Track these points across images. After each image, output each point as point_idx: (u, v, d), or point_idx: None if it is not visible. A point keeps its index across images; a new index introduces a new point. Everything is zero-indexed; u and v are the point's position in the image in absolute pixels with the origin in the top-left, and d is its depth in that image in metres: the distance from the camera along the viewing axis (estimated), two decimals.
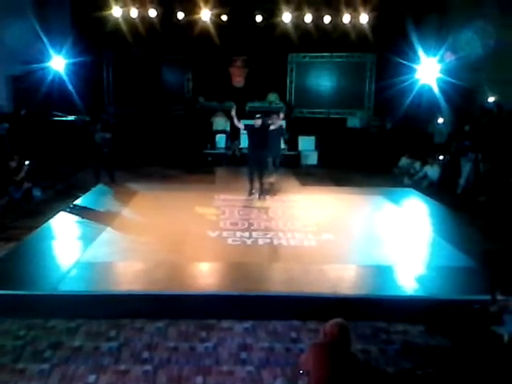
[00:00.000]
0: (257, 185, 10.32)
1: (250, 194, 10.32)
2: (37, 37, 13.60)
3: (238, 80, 17.43)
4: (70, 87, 14.66)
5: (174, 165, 14.11)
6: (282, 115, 11.83)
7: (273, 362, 4.64)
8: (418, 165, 13.15)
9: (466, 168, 11.66)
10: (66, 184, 11.77)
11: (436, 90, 14.05)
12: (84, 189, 10.93)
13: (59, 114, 14.73)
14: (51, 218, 8.49)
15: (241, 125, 10.69)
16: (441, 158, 12.64)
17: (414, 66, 14.56)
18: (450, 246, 7.50)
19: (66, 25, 15.20)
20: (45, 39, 13.84)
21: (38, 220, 8.50)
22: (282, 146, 12.79)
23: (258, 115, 10.33)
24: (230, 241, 7.57)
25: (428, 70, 14.29)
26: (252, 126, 10.26)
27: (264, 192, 10.30)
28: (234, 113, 10.53)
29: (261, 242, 7.58)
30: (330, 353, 3.60)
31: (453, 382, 4.44)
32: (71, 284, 5.78)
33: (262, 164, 10.25)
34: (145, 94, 16.88)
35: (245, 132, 11.04)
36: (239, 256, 6.92)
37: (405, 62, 14.50)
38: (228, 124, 16.48)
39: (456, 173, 11.95)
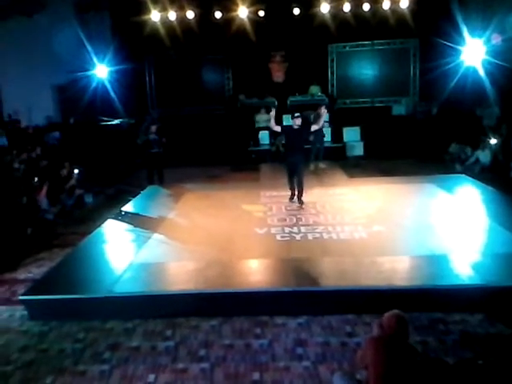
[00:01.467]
0: (296, 191, 9.39)
1: (292, 199, 9.53)
2: (80, 45, 13.99)
3: (278, 75, 17.37)
4: (113, 94, 15.02)
5: (218, 164, 14.22)
6: (323, 109, 10.78)
7: (329, 356, 4.59)
8: (468, 150, 12.71)
9: None
10: (116, 189, 12.06)
11: (482, 72, 13.54)
12: (134, 192, 11.17)
13: (105, 118, 15.12)
14: (103, 222, 8.71)
15: (277, 128, 9.67)
16: (492, 141, 12.16)
17: (459, 47, 14.07)
18: (506, 231, 7.20)
19: (107, 32, 15.59)
20: (88, 48, 14.21)
21: (91, 225, 8.75)
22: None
23: (296, 114, 9.30)
24: (278, 237, 7.53)
25: (473, 52, 13.79)
26: (290, 126, 9.41)
27: (301, 198, 9.31)
28: (273, 113, 9.77)
29: (310, 236, 7.50)
30: (388, 346, 3.51)
31: None
32: (126, 285, 5.90)
33: (299, 169, 9.23)
34: (187, 96, 17.11)
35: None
36: (289, 252, 6.87)
37: (449, 44, 14.03)
38: (270, 119, 16.43)
39: (508, 156, 11.47)
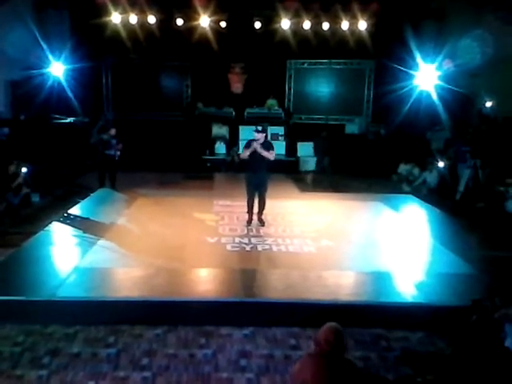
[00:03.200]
0: (256, 210, 8.83)
1: (249, 223, 8.79)
2: (36, 43, 13.63)
3: (237, 86, 17.48)
4: (69, 93, 14.69)
5: (173, 170, 14.11)
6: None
7: (272, 369, 4.62)
8: (416, 171, 13.17)
9: (465, 174, 11.69)
10: (65, 189, 11.74)
11: (434, 96, 14.09)
12: (84, 194, 10.92)
13: (58, 116, 14.75)
14: (49, 223, 8.46)
15: (247, 153, 8.64)
16: (440, 164, 12.66)
17: (413, 72, 14.61)
18: (449, 252, 7.50)
19: (66, 31, 15.27)
20: (44, 45, 13.88)
21: (37, 226, 8.48)
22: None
23: (258, 127, 8.78)
24: (229, 247, 7.56)
25: (426, 77, 14.35)
26: (252, 141, 8.59)
27: (262, 218, 8.89)
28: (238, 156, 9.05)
29: (260, 248, 7.57)
30: (327, 363, 3.42)
31: None
32: (69, 290, 5.75)
33: (263, 186, 8.66)
34: (144, 100, 16.93)
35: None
36: (238, 262, 6.91)
37: (403, 69, 14.55)
38: (227, 130, 16.51)
39: (455, 179, 11.97)
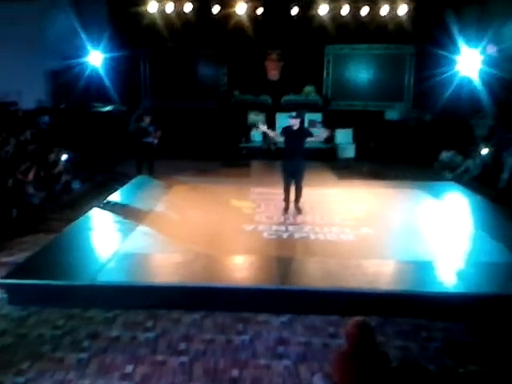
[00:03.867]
0: (292, 198, 8.75)
1: (286, 211, 8.70)
2: (75, 32, 13.84)
3: (274, 73, 17.30)
4: (107, 81, 14.90)
5: (209, 158, 14.16)
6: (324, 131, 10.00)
7: (310, 357, 4.56)
8: (459, 158, 12.78)
9: (509, 162, 11.25)
10: (104, 176, 11.96)
11: (477, 81, 13.61)
12: (123, 181, 11.09)
13: (97, 104, 14.98)
14: (90, 210, 8.61)
15: (274, 133, 9.41)
16: (483, 151, 12.23)
17: (455, 57, 14.14)
18: (492, 240, 7.23)
19: (103, 20, 15.39)
20: (83, 35, 14.07)
21: (77, 212, 8.66)
22: None
23: (293, 114, 8.60)
24: (265, 234, 7.50)
25: (469, 62, 13.85)
26: (288, 127, 8.53)
27: (299, 206, 8.77)
28: (263, 128, 9.25)
29: (297, 236, 7.48)
30: (355, 361, 3.39)
31: (495, 379, 4.26)
32: (109, 275, 5.83)
33: (299, 173, 8.58)
34: (180, 88, 16.98)
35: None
36: (275, 250, 6.85)
37: (445, 54, 14.09)
38: (263, 118, 16.42)
39: (498, 167, 11.55)
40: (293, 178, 8.60)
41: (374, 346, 3.51)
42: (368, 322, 3.53)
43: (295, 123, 8.44)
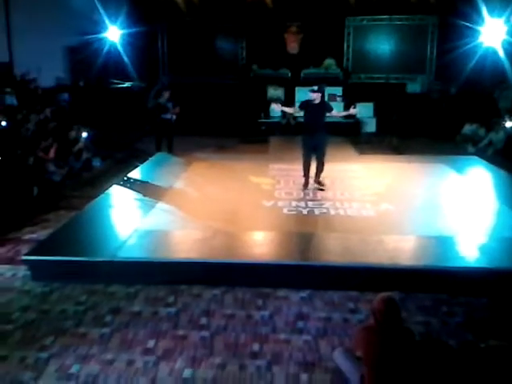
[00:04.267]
0: (312, 173, 8.65)
1: (306, 187, 8.59)
2: (92, 8, 13.76)
3: (293, 46, 17.07)
4: (126, 58, 14.87)
5: (228, 134, 14.10)
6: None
7: (330, 332, 4.55)
8: (482, 131, 12.51)
9: None
10: (124, 154, 12.02)
11: (501, 52, 13.21)
12: (143, 158, 11.12)
13: (116, 81, 14.99)
14: (110, 187, 8.67)
15: (292, 109, 9.45)
16: (508, 124, 11.92)
17: (478, 28, 13.71)
18: None
19: None
20: (101, 10, 14.00)
21: (98, 189, 8.72)
22: None
23: (314, 87, 8.34)
24: (285, 210, 7.46)
25: (493, 32, 13.43)
26: (308, 101, 8.38)
27: (321, 180, 8.67)
28: (278, 108, 9.20)
29: (317, 211, 7.42)
30: (379, 336, 3.41)
31: None
32: (130, 251, 5.87)
33: (321, 148, 8.43)
34: (199, 63, 16.89)
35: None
36: (295, 226, 6.81)
37: (468, 24, 13.68)
38: (282, 92, 16.25)
39: None
40: (314, 153, 8.47)
41: (400, 322, 3.52)
42: (395, 298, 3.51)
43: (316, 97, 8.27)
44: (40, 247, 6.04)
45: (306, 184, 8.66)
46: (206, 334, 4.51)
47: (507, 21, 13.04)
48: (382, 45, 16.77)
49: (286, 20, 16.71)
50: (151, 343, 4.35)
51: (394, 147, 12.59)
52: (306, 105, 8.45)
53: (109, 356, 4.15)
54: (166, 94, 11.56)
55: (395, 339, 3.41)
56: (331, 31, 16.52)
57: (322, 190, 8.53)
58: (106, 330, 4.53)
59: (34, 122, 10.21)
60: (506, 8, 12.89)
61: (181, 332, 4.53)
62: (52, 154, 9.31)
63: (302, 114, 8.70)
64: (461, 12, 13.62)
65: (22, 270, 5.72)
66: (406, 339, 3.48)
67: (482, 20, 13.47)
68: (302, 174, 8.71)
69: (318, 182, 8.67)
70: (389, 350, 3.37)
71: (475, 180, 9.52)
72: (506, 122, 12.03)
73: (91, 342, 4.36)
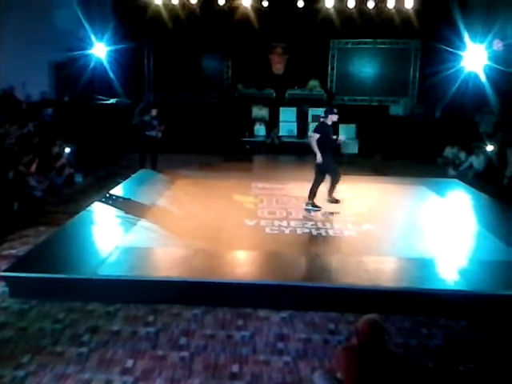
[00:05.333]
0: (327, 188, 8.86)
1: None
2: (79, 24, 13.82)
3: (278, 67, 17.29)
4: (111, 74, 14.89)
5: (212, 152, 14.15)
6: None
7: (310, 353, 4.55)
8: (463, 155, 12.73)
9: None
10: (107, 170, 11.96)
11: (483, 77, 13.52)
12: (126, 175, 11.08)
13: (101, 97, 14.98)
14: (92, 203, 8.61)
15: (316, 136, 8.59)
16: (488, 148, 12.16)
17: (460, 52, 14.05)
18: (495, 238, 7.19)
19: (108, 12, 15.41)
20: (87, 26, 14.05)
21: (79, 205, 8.65)
22: None
23: (335, 110, 8.64)
24: (267, 230, 7.47)
25: (474, 57, 13.77)
26: (323, 124, 8.58)
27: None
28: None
29: (299, 231, 7.46)
30: (362, 356, 3.40)
31: (496, 378, 4.26)
32: (110, 268, 5.82)
33: (335, 167, 8.82)
34: (184, 81, 16.97)
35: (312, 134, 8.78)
36: (277, 245, 6.82)
37: (450, 49, 14.02)
38: (267, 112, 16.39)
39: (502, 164, 11.49)
40: (331, 172, 8.66)
41: (383, 344, 3.53)
42: (379, 321, 3.51)
43: (335, 119, 8.56)
44: (19, 263, 5.95)
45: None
46: (185, 354, 4.47)
47: (489, 46, 13.38)
48: (366, 67, 17.07)
49: (271, 41, 16.95)
50: (130, 363, 4.30)
51: (376, 165, 12.71)
52: (324, 128, 8.52)
53: (86, 376, 4.10)
54: (154, 112, 11.62)
55: (377, 361, 3.41)
56: (316, 53, 16.78)
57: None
58: (83, 349, 4.47)
59: (15, 136, 10.12)
60: (488, 34, 13.23)
61: (160, 352, 4.49)
62: (33, 168, 9.23)
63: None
64: (443, 37, 13.94)
65: (0, 287, 5.62)
66: (388, 361, 3.48)
67: (464, 45, 13.83)
68: (312, 195, 8.67)
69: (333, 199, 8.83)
70: (370, 371, 3.37)
71: (455, 203, 9.66)
72: (486, 145, 12.26)
73: (68, 361, 4.29)
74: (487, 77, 13.40)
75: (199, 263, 6.01)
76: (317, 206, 8.64)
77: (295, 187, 10.18)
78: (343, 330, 4.94)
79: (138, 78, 16.89)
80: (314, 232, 7.45)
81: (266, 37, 16.46)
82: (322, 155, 8.39)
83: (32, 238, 7.30)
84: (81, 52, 14.28)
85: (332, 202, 8.78)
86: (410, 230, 7.57)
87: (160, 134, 11.51)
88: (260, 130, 16.06)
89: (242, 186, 10.22)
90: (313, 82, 17.00)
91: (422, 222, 8.11)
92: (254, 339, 4.75)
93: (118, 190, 9.70)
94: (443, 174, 12.22)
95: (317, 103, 16.26)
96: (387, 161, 13.52)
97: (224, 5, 15.62)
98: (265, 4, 15.58)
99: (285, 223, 7.79)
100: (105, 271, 5.72)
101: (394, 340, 4.75)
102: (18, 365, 4.21)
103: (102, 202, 8.77)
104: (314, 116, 15.78)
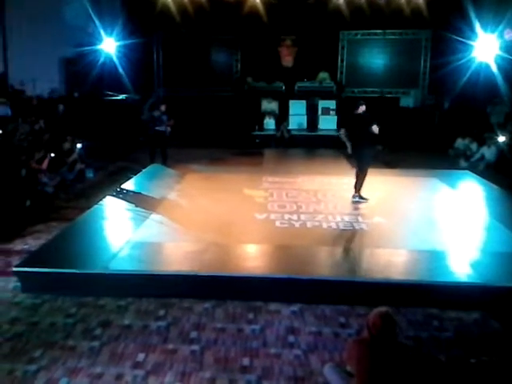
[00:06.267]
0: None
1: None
2: (89, 20, 13.86)
3: (287, 60, 17.21)
4: (121, 69, 14.92)
5: (222, 146, 14.14)
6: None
7: (321, 346, 4.54)
8: (474, 146, 12.60)
9: None
10: (118, 165, 12.01)
11: (494, 67, 13.36)
12: (136, 169, 11.12)
13: (110, 93, 15.04)
14: (103, 198, 8.65)
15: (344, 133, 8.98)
16: (500, 139, 12.02)
17: (471, 42, 13.88)
18: (507, 230, 7.13)
19: (117, 7, 15.42)
20: (96, 22, 14.08)
21: (90, 201, 8.69)
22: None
23: (361, 101, 8.85)
24: (278, 223, 7.47)
25: (486, 47, 13.59)
26: (354, 115, 8.76)
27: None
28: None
29: (309, 224, 7.44)
30: (373, 348, 3.39)
31: (508, 371, 4.23)
32: (122, 263, 5.86)
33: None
34: (194, 76, 16.97)
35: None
36: (287, 239, 6.82)
37: (461, 39, 13.85)
38: (276, 105, 16.34)
39: None
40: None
41: (395, 337, 3.50)
42: (391, 314, 3.49)
43: (363, 108, 8.72)
44: (31, 259, 6.01)
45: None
46: (196, 347, 4.49)
47: (500, 36, 13.20)
48: (376, 59, 16.93)
49: (280, 33, 16.86)
50: (141, 357, 4.33)
51: (388, 158, 12.61)
52: (354, 117, 8.72)
53: (98, 369, 4.13)
54: (163, 107, 11.65)
55: (389, 354, 3.39)
56: (325, 45, 16.67)
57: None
58: (95, 344, 4.50)
59: (25, 132, 10.19)
60: (499, 23, 13.05)
61: (171, 346, 4.51)
62: (45, 165, 9.29)
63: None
64: (454, 27, 13.78)
65: (13, 282, 5.68)
66: (399, 354, 3.45)
67: (476, 35, 13.65)
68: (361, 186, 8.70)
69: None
70: (381, 365, 3.35)
71: (467, 195, 9.59)
72: (498, 136, 12.13)
73: (80, 355, 4.33)
74: (498, 67, 13.23)
75: (209, 257, 6.02)
76: (363, 198, 8.65)
77: (305, 181, 10.17)
78: (354, 323, 4.93)
79: (147, 73, 16.90)
80: (325, 225, 7.43)
81: (275, 29, 16.38)
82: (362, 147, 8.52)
83: (44, 233, 7.37)
84: (90, 47, 14.33)
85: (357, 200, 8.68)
86: (422, 223, 7.52)
87: (169, 129, 11.54)
88: (270, 123, 16.02)
89: (252, 180, 10.22)
90: (322, 74, 16.90)
91: (434, 214, 8.07)
92: (265, 332, 4.76)
93: (128, 185, 9.73)
94: (455, 166, 12.11)
95: (327, 96, 16.18)
96: (393, 152, 13.40)
97: None
98: None
99: (295, 217, 7.78)
100: (116, 266, 5.75)
101: (406, 333, 4.73)
102: (29, 359, 4.25)
103: (113, 196, 8.81)
104: (323, 109, 15.71)
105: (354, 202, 8.66)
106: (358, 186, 8.71)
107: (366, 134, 8.46)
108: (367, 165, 8.62)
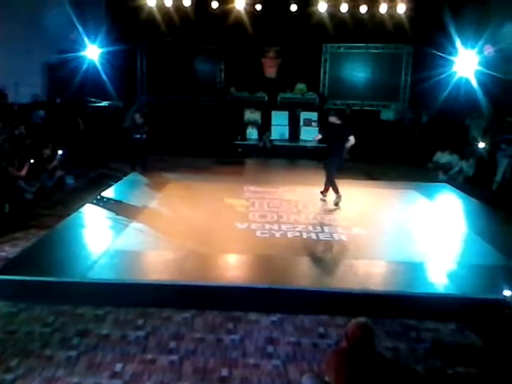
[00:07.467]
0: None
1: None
2: (72, 26, 13.79)
3: (271, 71, 17.35)
4: (104, 76, 14.86)
5: (204, 155, 14.13)
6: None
7: (299, 357, 4.56)
8: (453, 159, 12.81)
9: (503, 163, 11.30)
10: (98, 172, 11.92)
11: (474, 82, 13.64)
12: (117, 177, 11.05)
13: (93, 100, 14.94)
14: (82, 206, 8.58)
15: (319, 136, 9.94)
16: (480, 145, 12.20)
17: (452, 58, 14.16)
18: (484, 243, 7.26)
19: (101, 14, 15.37)
20: (80, 28, 14.02)
21: (70, 208, 8.61)
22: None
23: (332, 111, 9.40)
24: (258, 233, 7.49)
25: (466, 63, 13.88)
26: (330, 124, 9.23)
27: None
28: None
29: (290, 235, 7.47)
30: (351, 359, 3.41)
31: (484, 382, 4.29)
32: (100, 272, 5.81)
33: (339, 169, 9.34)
34: (177, 84, 16.99)
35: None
36: (267, 249, 6.84)
37: (442, 55, 14.13)
38: (259, 115, 16.42)
39: (492, 168, 11.59)
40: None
41: (373, 347, 3.53)
42: (370, 324, 3.52)
43: (335, 120, 9.18)
44: (8, 266, 5.93)
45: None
46: (174, 358, 4.47)
47: (480, 52, 13.50)
48: (358, 72, 17.17)
49: (264, 44, 17.01)
50: (119, 367, 4.29)
51: (369, 169, 12.75)
52: (329, 127, 9.32)
53: (75, 379, 4.09)
54: (137, 115, 11.64)
55: (367, 365, 3.42)
56: (308, 57, 16.85)
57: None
58: (72, 353, 4.45)
59: (5, 137, 10.05)
60: (479, 39, 13.35)
61: (149, 356, 4.48)
62: (24, 172, 9.17)
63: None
64: (435, 42, 14.06)
65: None
66: (378, 365, 3.48)
67: (456, 50, 13.92)
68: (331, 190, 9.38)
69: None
70: (360, 375, 3.37)
71: (445, 207, 9.74)
72: (476, 148, 12.35)
73: (57, 364, 4.28)
74: (478, 82, 13.51)
75: (189, 266, 6.01)
76: (324, 197, 9.51)
77: (286, 191, 10.23)
78: (333, 333, 4.96)
79: (130, 81, 16.87)
80: (305, 235, 7.47)
81: (259, 40, 16.51)
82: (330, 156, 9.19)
83: (22, 240, 7.25)
84: (74, 54, 14.24)
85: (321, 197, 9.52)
86: (400, 234, 7.62)
87: (145, 136, 11.50)
88: (252, 133, 16.08)
89: (233, 190, 10.23)
90: (300, 86, 17.06)
91: (412, 225, 8.17)
92: (244, 343, 4.76)
93: (109, 193, 9.68)
94: (433, 179, 12.29)
95: (309, 107, 16.32)
96: (372, 164, 13.55)
97: (217, 8, 15.65)
98: (258, 8, 15.61)
99: (276, 227, 7.81)
100: (95, 274, 5.70)
101: (384, 343, 4.78)
102: (6, 368, 4.19)
103: (93, 204, 8.74)
104: (305, 120, 15.83)
105: (322, 200, 9.46)
106: (328, 185, 9.38)
107: (336, 143, 9.02)
108: (331, 172, 9.25)
